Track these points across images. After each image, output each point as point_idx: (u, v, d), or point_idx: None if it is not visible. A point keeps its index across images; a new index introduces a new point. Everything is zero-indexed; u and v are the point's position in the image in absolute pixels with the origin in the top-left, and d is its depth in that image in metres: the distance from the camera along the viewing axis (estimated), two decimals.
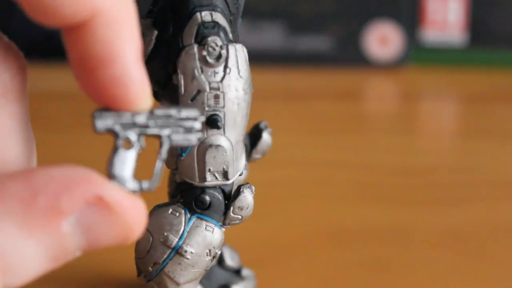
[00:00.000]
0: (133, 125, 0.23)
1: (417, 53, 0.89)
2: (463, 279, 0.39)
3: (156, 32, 0.29)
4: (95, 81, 0.22)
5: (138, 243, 0.30)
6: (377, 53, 0.87)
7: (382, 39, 0.87)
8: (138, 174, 0.23)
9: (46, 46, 0.83)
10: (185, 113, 0.24)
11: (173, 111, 0.24)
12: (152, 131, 0.23)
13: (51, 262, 0.21)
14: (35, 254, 0.20)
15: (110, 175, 0.23)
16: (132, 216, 0.21)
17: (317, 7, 0.86)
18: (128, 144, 0.23)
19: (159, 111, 0.23)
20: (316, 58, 0.87)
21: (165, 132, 0.24)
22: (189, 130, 0.24)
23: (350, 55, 0.87)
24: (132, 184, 0.23)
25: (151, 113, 0.23)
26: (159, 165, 0.24)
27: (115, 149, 0.23)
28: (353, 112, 0.74)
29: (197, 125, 0.24)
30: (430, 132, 0.69)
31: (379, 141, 0.64)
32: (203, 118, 0.24)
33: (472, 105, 0.77)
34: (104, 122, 0.23)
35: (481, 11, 0.88)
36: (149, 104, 0.23)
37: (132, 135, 0.23)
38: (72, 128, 0.65)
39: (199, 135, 0.24)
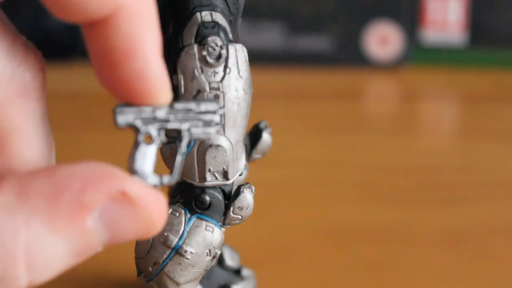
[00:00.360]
0: (154, 119, 0.23)
1: (417, 53, 0.89)
2: (463, 279, 0.39)
3: None
4: (116, 76, 0.22)
5: (138, 243, 0.30)
6: (377, 53, 0.87)
7: (382, 39, 0.87)
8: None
9: (46, 46, 0.83)
10: (204, 106, 0.24)
11: (192, 105, 0.24)
12: (173, 125, 0.23)
13: (75, 257, 0.21)
14: (61, 250, 0.21)
15: (131, 170, 0.23)
16: (155, 209, 0.22)
17: (317, 7, 0.86)
18: (149, 139, 0.23)
19: (179, 105, 0.23)
20: (316, 58, 0.87)
21: (185, 126, 0.24)
22: (208, 124, 0.24)
23: (350, 55, 0.87)
24: (153, 179, 0.23)
25: (171, 107, 0.23)
26: (179, 158, 0.24)
27: (136, 144, 0.23)
28: (353, 112, 0.74)
29: (216, 118, 0.24)
30: (430, 132, 0.69)
31: (379, 141, 0.64)
32: (222, 111, 0.24)
33: (472, 105, 0.77)
34: (125, 117, 0.23)
35: (481, 11, 0.88)
36: (169, 98, 0.23)
37: (153, 130, 0.23)
38: (73, 128, 0.65)
39: (218, 127, 0.24)
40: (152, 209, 0.22)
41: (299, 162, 0.57)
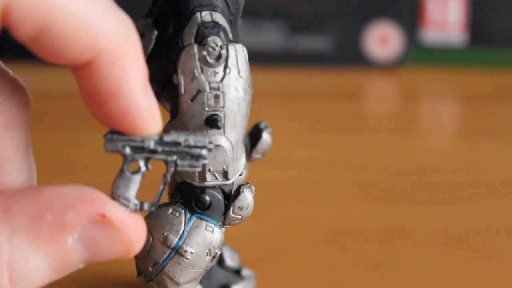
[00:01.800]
0: (142, 149, 0.24)
1: (417, 53, 0.89)
2: (463, 279, 0.39)
3: (156, 32, 0.29)
4: (104, 112, 0.23)
5: None
6: (377, 53, 0.87)
7: (382, 39, 0.87)
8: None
9: None
10: (193, 141, 0.24)
11: (181, 139, 0.24)
12: (160, 156, 0.24)
13: (56, 273, 0.22)
14: (41, 266, 0.22)
15: (114, 195, 0.24)
16: (133, 232, 0.23)
17: (317, 7, 0.86)
18: (135, 167, 0.24)
19: (168, 138, 0.24)
20: (316, 58, 0.87)
21: (172, 158, 0.24)
22: (196, 157, 0.24)
23: (350, 55, 0.87)
24: (134, 205, 0.24)
25: (160, 139, 0.24)
26: (161, 187, 0.25)
27: (121, 172, 0.24)
28: (353, 112, 0.74)
29: (204, 152, 0.24)
30: (430, 132, 0.69)
31: (379, 141, 0.64)
32: (211, 146, 0.24)
33: (472, 105, 0.77)
34: (114, 145, 0.24)
35: (481, 11, 0.88)
36: (158, 129, 0.24)
37: (140, 160, 0.24)
38: (72, 128, 0.65)
39: (206, 161, 0.24)
40: (130, 232, 0.23)
41: (299, 162, 0.57)
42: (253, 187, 0.30)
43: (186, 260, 0.29)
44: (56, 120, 0.68)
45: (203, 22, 0.28)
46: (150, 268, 0.30)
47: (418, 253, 0.42)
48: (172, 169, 0.24)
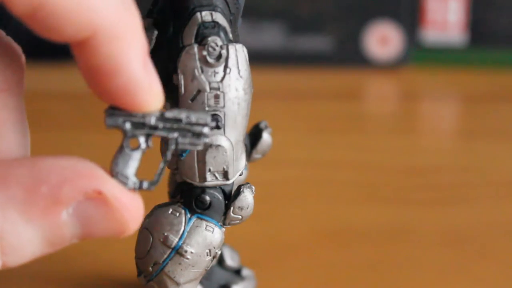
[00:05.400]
0: (143, 125, 0.24)
1: (417, 53, 0.89)
2: (463, 279, 0.39)
3: (156, 32, 0.29)
4: (104, 89, 0.23)
5: (138, 243, 0.30)
6: (377, 53, 0.87)
7: (382, 39, 0.87)
8: (146, 169, 0.24)
9: (46, 46, 0.83)
10: (195, 118, 0.24)
11: (183, 115, 0.24)
12: (161, 133, 0.24)
13: (48, 246, 0.22)
14: (33, 238, 0.22)
15: (112, 172, 0.23)
16: (129, 212, 0.23)
17: (317, 7, 0.86)
18: (135, 144, 0.24)
19: (169, 114, 0.24)
20: (316, 58, 0.87)
21: (173, 135, 0.24)
22: (197, 135, 0.24)
23: (350, 55, 0.87)
24: (133, 183, 0.23)
25: (161, 115, 0.24)
26: (162, 166, 0.24)
27: (121, 148, 0.24)
28: (353, 112, 0.74)
29: (206, 130, 0.24)
30: (430, 132, 0.69)
31: (379, 141, 0.64)
32: (213, 124, 0.24)
33: (472, 105, 0.77)
34: (115, 120, 0.23)
35: (481, 11, 0.88)
36: (160, 106, 0.24)
37: (141, 136, 0.24)
38: (73, 128, 0.65)
39: (207, 139, 0.24)
40: (126, 210, 0.23)
41: (299, 162, 0.57)
42: (253, 187, 0.30)
43: (186, 260, 0.29)
44: (56, 120, 0.68)
45: (203, 22, 0.28)
46: (150, 268, 0.30)
47: (418, 253, 0.42)
48: (173, 147, 0.24)
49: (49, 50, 0.83)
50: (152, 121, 0.24)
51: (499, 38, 0.89)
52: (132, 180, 0.23)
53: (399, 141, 0.63)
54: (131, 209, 0.23)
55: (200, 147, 0.24)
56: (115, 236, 0.23)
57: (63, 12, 0.22)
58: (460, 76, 0.87)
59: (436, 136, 0.68)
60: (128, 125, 0.23)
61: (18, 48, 0.25)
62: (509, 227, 0.46)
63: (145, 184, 0.24)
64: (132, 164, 0.24)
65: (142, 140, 0.24)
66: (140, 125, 0.23)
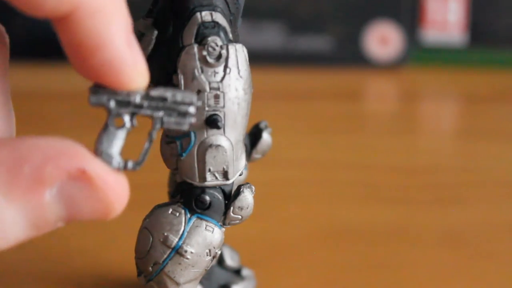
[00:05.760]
0: (128, 103, 0.23)
1: (417, 53, 0.89)
2: (463, 279, 0.39)
3: (156, 32, 0.29)
4: (87, 66, 0.23)
5: (138, 243, 0.30)
6: (377, 53, 0.87)
7: (382, 39, 0.87)
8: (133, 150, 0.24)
9: (46, 46, 0.83)
10: (180, 97, 0.24)
11: (168, 94, 0.23)
12: (146, 111, 0.23)
13: (32, 229, 0.22)
14: (17, 221, 0.21)
15: (97, 151, 0.23)
16: (114, 192, 0.22)
17: (317, 7, 0.86)
18: (120, 122, 0.23)
19: (155, 92, 0.23)
20: (316, 58, 0.87)
21: (158, 114, 0.24)
22: (183, 114, 0.24)
23: (350, 55, 0.87)
24: (117, 162, 0.23)
25: (146, 93, 0.23)
26: (147, 146, 0.24)
27: (105, 126, 0.23)
28: (353, 112, 0.74)
29: (192, 109, 0.24)
30: (430, 132, 0.69)
31: (379, 141, 0.64)
32: (199, 103, 0.24)
33: (472, 105, 0.77)
34: (99, 97, 0.23)
35: (481, 11, 0.88)
36: (145, 84, 0.23)
37: (125, 115, 0.23)
38: (72, 128, 0.65)
39: (193, 119, 0.24)
40: (111, 190, 0.22)
41: (299, 162, 0.57)
42: (253, 187, 0.30)
43: (186, 260, 0.29)
44: (56, 120, 0.68)
45: (203, 22, 0.28)
46: (150, 268, 0.30)
47: (418, 253, 0.42)
48: (158, 125, 0.24)
49: (49, 50, 0.83)
50: (137, 99, 0.23)
51: (499, 38, 0.89)
52: (117, 159, 0.23)
53: (399, 141, 0.63)
54: (116, 189, 0.22)
55: (186, 127, 0.24)
56: (101, 218, 0.22)
57: None
58: (460, 76, 0.87)
59: (436, 136, 0.68)
60: (112, 103, 0.23)
61: (1, 27, 0.24)
62: (509, 227, 0.46)
63: (130, 164, 0.23)
64: (116, 143, 0.23)
65: (127, 119, 0.23)
66: (125, 103, 0.23)
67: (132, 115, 0.23)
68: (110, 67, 0.23)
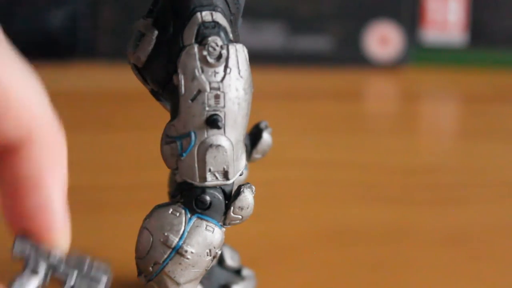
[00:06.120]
0: (46, 262, 0.24)
1: (417, 53, 0.89)
2: (463, 279, 0.39)
3: (156, 32, 0.29)
4: (19, 206, 0.23)
5: (138, 243, 0.30)
6: (377, 53, 0.87)
7: (382, 39, 0.87)
8: None
9: (46, 46, 0.83)
10: (96, 267, 0.25)
11: (85, 262, 0.25)
12: (59, 274, 0.24)
13: None
14: None
15: None
16: None
17: (317, 7, 0.86)
18: (35, 274, 0.24)
19: (73, 258, 0.25)
20: (316, 58, 0.87)
21: (71, 278, 0.25)
22: (95, 281, 0.25)
23: (350, 55, 0.87)
24: None
25: (65, 257, 0.24)
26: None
27: (21, 273, 0.24)
28: (353, 112, 0.74)
29: (104, 279, 0.25)
30: (430, 132, 0.69)
31: (379, 141, 0.64)
32: (110, 276, 0.25)
33: (472, 105, 0.77)
34: (22, 248, 0.24)
35: (481, 11, 0.88)
36: (67, 244, 0.25)
37: (41, 270, 0.24)
38: (72, 128, 0.65)
39: (105, 287, 0.25)
40: None
41: (299, 162, 0.57)
42: (253, 187, 0.30)
43: (187, 260, 0.29)
44: None
45: (203, 22, 0.28)
46: (150, 268, 0.30)
47: (418, 253, 0.42)
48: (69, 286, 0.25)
49: (49, 50, 0.83)
50: (55, 260, 0.24)
51: (499, 38, 0.89)
52: None
53: (399, 141, 0.63)
54: None
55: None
56: None
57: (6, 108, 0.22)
58: (460, 76, 0.87)
59: (436, 136, 0.68)
60: (33, 257, 0.24)
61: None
62: (509, 227, 0.46)
63: None
64: None
65: (41, 274, 0.24)
66: (43, 260, 0.24)
67: (47, 274, 0.24)
68: (41, 211, 0.23)
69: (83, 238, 0.42)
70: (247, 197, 0.30)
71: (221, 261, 0.35)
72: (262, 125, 0.33)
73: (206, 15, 0.28)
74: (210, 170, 0.29)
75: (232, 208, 0.30)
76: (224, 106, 0.28)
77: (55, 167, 0.23)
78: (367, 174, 0.54)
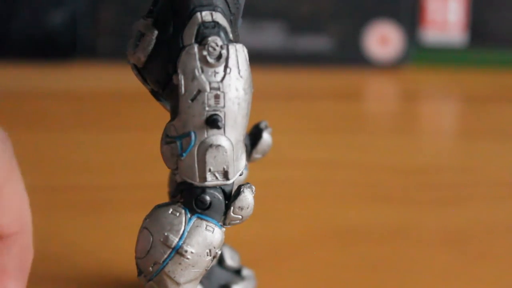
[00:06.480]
0: None
1: (417, 53, 0.89)
2: (463, 279, 0.39)
3: (156, 32, 0.29)
4: None
5: (138, 243, 0.30)
6: (377, 53, 0.87)
7: (382, 39, 0.87)
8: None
9: (46, 46, 0.83)
10: None
11: None
12: None
13: None
14: None
15: None
16: None
17: (317, 7, 0.86)
18: None
19: None
20: (316, 58, 0.87)
21: None
22: None
23: (350, 55, 0.87)
24: None
25: None
26: None
27: None
28: (353, 112, 0.74)
29: None
30: (430, 132, 0.69)
31: (379, 141, 0.64)
32: None
33: (472, 105, 0.77)
34: None
35: (481, 11, 0.88)
36: None
37: None
38: (72, 128, 0.65)
39: None
40: None
41: (299, 162, 0.57)
42: (253, 187, 0.30)
43: (187, 260, 0.29)
44: (56, 120, 0.68)
45: (203, 22, 0.28)
46: (150, 268, 0.30)
47: (418, 253, 0.42)
48: None
49: (49, 50, 0.83)
50: None
51: (499, 38, 0.89)
52: None
53: (399, 141, 0.63)
54: None
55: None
56: None
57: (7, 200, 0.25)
58: (460, 76, 0.87)
59: (436, 136, 0.68)
60: None
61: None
62: (509, 227, 0.46)
63: None
64: None
65: None
66: None
67: None
68: None
69: (83, 238, 0.42)
70: (247, 197, 0.30)
71: (221, 261, 0.35)
72: (262, 125, 0.33)
73: (206, 15, 0.28)
74: (210, 170, 0.29)
75: (232, 208, 0.30)
76: (224, 106, 0.28)
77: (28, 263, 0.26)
78: (367, 174, 0.54)
